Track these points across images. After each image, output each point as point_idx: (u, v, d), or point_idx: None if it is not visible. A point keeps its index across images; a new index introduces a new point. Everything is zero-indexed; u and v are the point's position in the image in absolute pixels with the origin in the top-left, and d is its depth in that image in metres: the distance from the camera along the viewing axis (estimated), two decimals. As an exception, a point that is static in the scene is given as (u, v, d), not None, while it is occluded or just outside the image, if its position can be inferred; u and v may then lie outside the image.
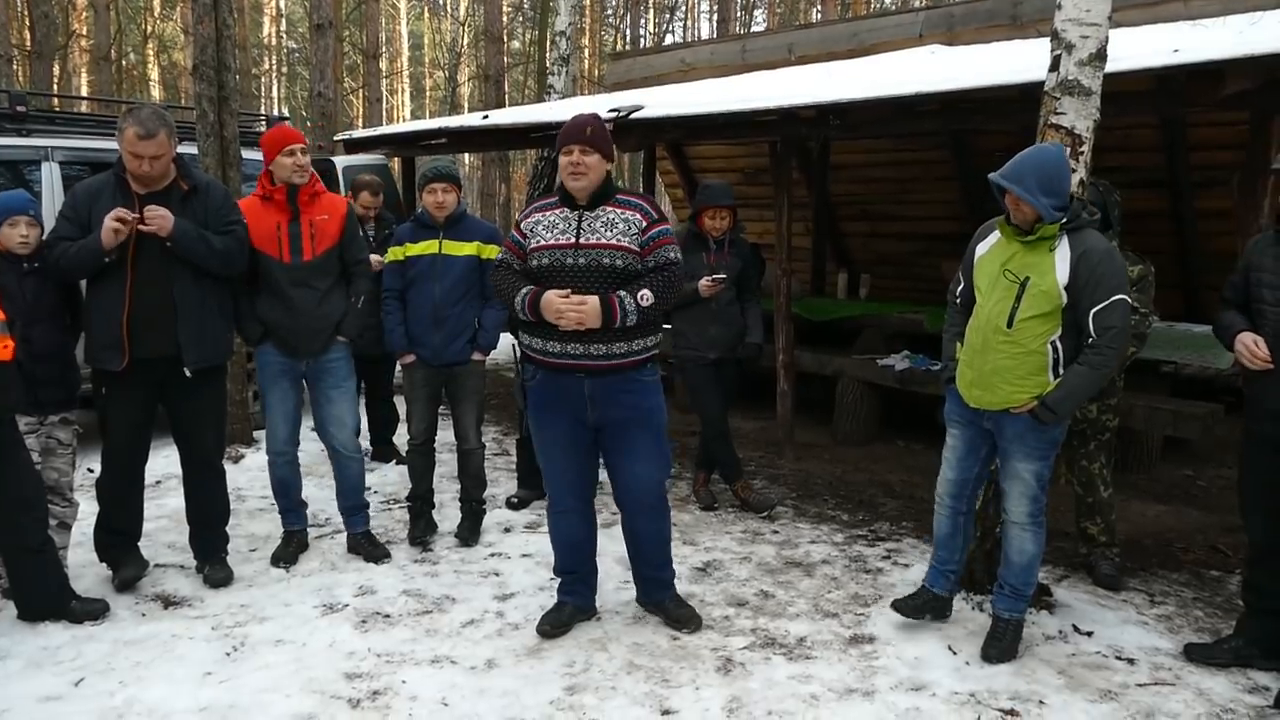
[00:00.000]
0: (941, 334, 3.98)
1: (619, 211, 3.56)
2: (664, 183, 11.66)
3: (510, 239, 3.73)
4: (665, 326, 3.79)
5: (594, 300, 3.45)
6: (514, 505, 5.47)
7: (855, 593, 4.33)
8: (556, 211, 3.63)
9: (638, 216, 3.56)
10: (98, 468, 4.18)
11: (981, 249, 3.72)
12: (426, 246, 4.69)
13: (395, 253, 4.76)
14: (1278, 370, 3.35)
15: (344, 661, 3.61)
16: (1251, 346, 3.41)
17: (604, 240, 3.51)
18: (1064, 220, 3.45)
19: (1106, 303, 3.38)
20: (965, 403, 3.73)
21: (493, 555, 4.74)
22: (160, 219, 3.83)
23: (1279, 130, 4.55)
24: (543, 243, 3.58)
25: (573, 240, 3.53)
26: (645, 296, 3.48)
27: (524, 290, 3.57)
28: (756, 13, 31.38)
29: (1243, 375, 3.59)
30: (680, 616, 3.90)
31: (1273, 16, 5.30)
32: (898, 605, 3.95)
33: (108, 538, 4.22)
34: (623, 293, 3.48)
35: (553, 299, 3.47)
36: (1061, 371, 3.49)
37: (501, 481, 5.88)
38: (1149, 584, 4.49)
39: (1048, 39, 3.94)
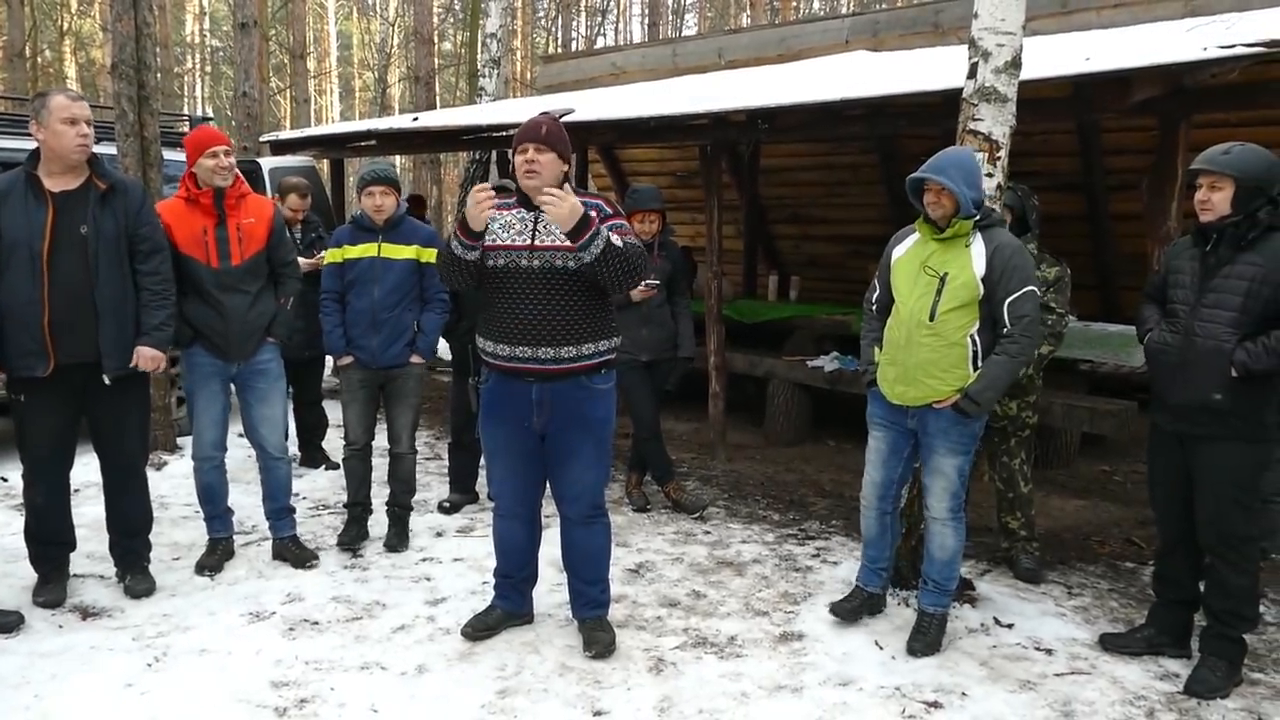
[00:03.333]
0: (859, 339, 4.06)
1: None
2: (596, 186, 11.68)
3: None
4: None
5: (575, 202, 3.31)
6: (446, 509, 5.44)
7: (785, 591, 4.39)
8: (513, 212, 3.58)
9: (592, 215, 3.46)
10: (11, 477, 4.06)
11: (898, 252, 3.84)
12: (365, 249, 4.64)
13: (334, 255, 4.71)
14: (1182, 368, 3.48)
15: (271, 670, 3.55)
16: None
17: (558, 242, 3.45)
18: (978, 217, 3.61)
19: (1020, 293, 3.57)
20: (888, 404, 3.82)
21: (424, 560, 4.71)
22: (154, 360, 3.97)
23: (1186, 135, 4.72)
24: (499, 242, 3.53)
25: (528, 242, 3.49)
26: (616, 237, 3.36)
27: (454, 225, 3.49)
28: (687, 17, 31.59)
29: (1150, 373, 3.73)
30: (590, 638, 3.73)
31: (1179, 26, 5.50)
32: (835, 609, 4.01)
33: (41, 549, 4.11)
34: (604, 222, 3.38)
35: (470, 200, 3.37)
36: (980, 365, 3.62)
37: (434, 486, 5.83)
38: (1067, 576, 4.63)
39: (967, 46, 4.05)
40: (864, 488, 4.01)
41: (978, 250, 3.60)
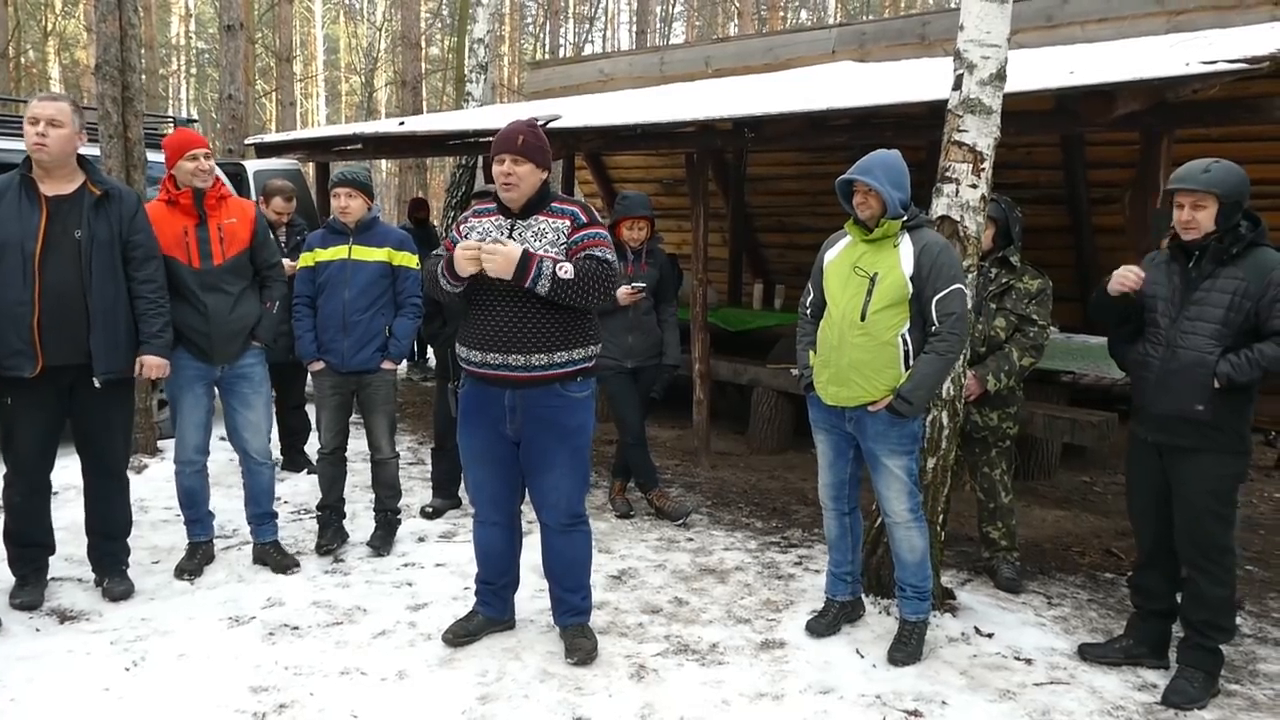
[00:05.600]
0: (796, 345, 4.10)
1: (551, 221, 3.51)
2: (583, 192, 11.70)
3: (449, 238, 3.67)
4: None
5: (515, 249, 3.36)
6: (429, 515, 5.43)
7: (767, 598, 4.39)
8: (491, 219, 3.58)
9: (566, 224, 3.50)
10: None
11: (830, 255, 3.90)
12: (336, 252, 4.65)
13: (306, 258, 4.71)
14: (1164, 379, 3.52)
15: (250, 674, 3.54)
16: (1124, 271, 3.56)
17: (534, 249, 3.45)
18: (905, 218, 3.68)
19: (947, 291, 3.62)
20: (826, 408, 3.86)
21: (406, 565, 4.69)
22: (158, 368, 4.04)
23: (1168, 150, 4.76)
24: None
25: None
26: (565, 268, 3.39)
27: (442, 260, 3.50)
28: (675, 25, 31.69)
29: (1131, 384, 3.75)
30: (572, 645, 3.72)
31: (1162, 41, 5.55)
32: (811, 627, 4.01)
33: (21, 551, 4.08)
34: (547, 258, 3.41)
35: (459, 251, 3.39)
36: (911, 364, 3.67)
37: (416, 491, 5.82)
38: (1047, 586, 4.65)
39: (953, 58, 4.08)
40: (820, 491, 4.06)
41: (906, 250, 3.67)
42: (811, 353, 3.93)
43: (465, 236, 3.59)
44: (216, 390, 4.48)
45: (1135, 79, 4.19)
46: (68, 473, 4.39)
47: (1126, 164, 6.69)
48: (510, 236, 3.50)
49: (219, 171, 4.63)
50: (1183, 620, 3.63)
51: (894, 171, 3.65)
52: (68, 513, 4.62)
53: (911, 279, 3.64)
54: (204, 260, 4.25)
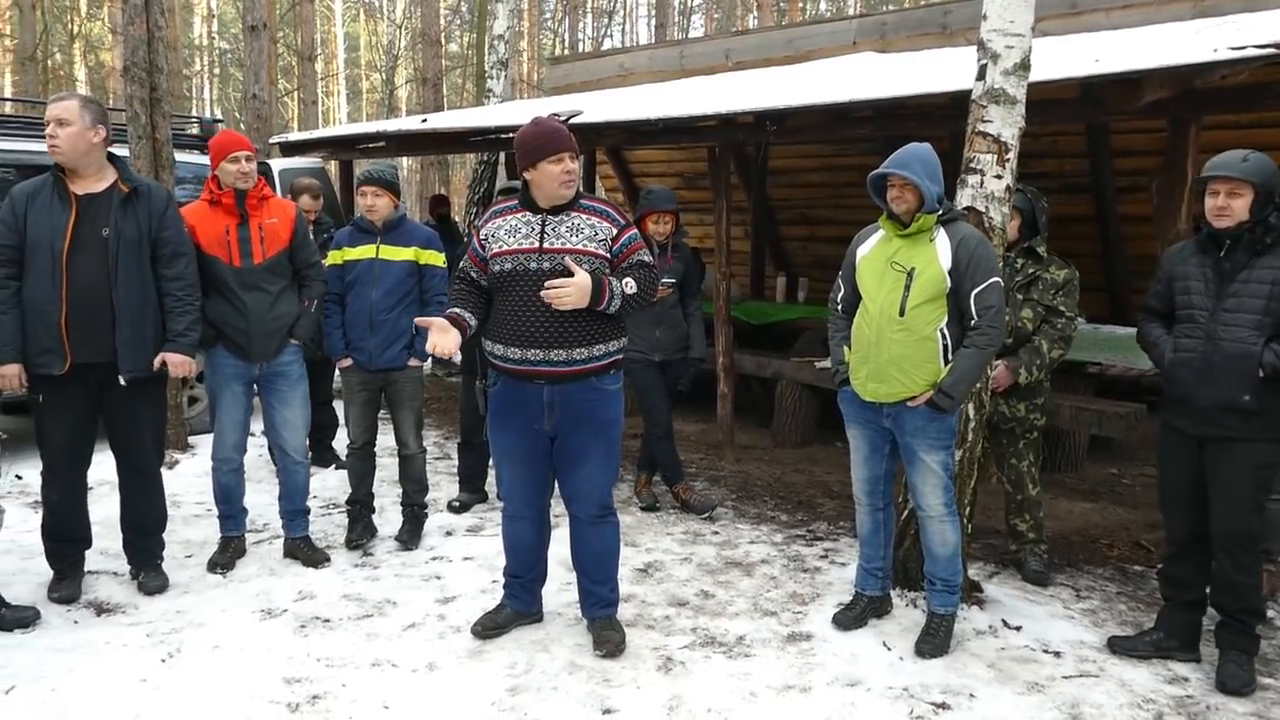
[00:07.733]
0: (828, 340, 4.09)
1: (585, 218, 3.52)
2: (604, 187, 11.71)
3: (471, 249, 3.67)
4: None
5: (584, 277, 3.38)
6: (456, 509, 5.47)
7: (794, 591, 4.40)
8: (518, 215, 3.57)
9: (606, 224, 3.52)
10: (28, 475, 4.10)
11: (863, 250, 3.88)
12: (364, 251, 4.68)
13: (334, 256, 4.74)
14: (1208, 372, 3.49)
15: (283, 666, 3.58)
16: None
17: (570, 245, 3.46)
18: (940, 212, 3.66)
19: (985, 284, 3.61)
20: (861, 403, 3.85)
21: (434, 559, 4.73)
22: (183, 365, 4.06)
23: (1195, 137, 4.72)
24: (504, 247, 3.52)
25: (536, 245, 3.48)
26: (629, 284, 3.48)
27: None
28: (694, 18, 31.63)
29: (1170, 377, 3.71)
30: (601, 638, 3.74)
31: (1189, 27, 5.50)
32: (837, 620, 4.01)
33: (57, 546, 4.15)
34: (611, 277, 3.48)
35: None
36: (950, 359, 3.65)
37: (443, 485, 5.86)
38: (1075, 579, 4.63)
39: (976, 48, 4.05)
40: (854, 486, 4.05)
41: (942, 244, 3.65)
42: (846, 349, 3.93)
43: (489, 238, 3.58)
44: (255, 389, 4.53)
45: (1162, 66, 4.15)
46: (102, 468, 4.46)
47: (1152, 151, 6.62)
48: (542, 233, 3.50)
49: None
50: (1219, 610, 3.62)
51: (929, 165, 3.63)
52: (103, 508, 4.69)
53: (950, 273, 3.61)
54: (244, 259, 4.31)
